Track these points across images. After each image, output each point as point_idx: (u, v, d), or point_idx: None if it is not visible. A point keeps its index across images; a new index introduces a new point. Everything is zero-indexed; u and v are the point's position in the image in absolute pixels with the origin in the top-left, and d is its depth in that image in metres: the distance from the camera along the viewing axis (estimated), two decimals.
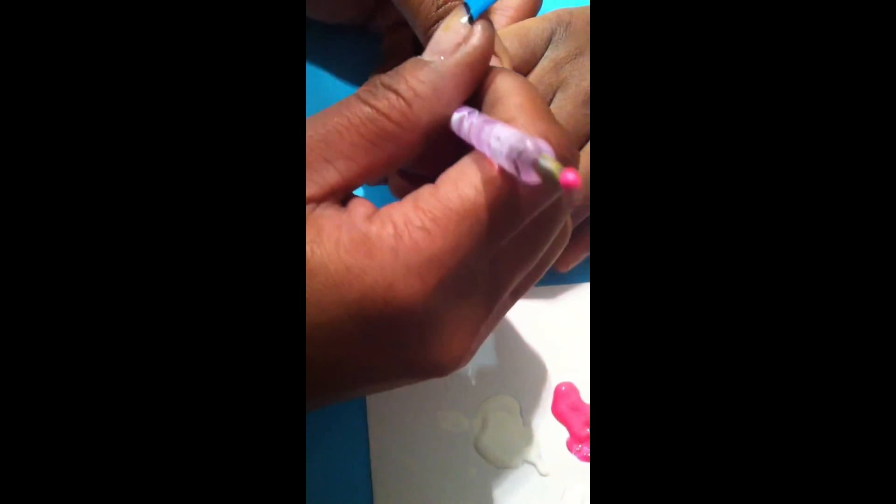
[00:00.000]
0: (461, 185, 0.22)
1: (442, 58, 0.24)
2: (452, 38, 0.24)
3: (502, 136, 0.21)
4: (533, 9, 0.35)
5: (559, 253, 0.28)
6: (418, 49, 0.35)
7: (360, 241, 0.22)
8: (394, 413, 0.35)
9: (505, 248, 0.24)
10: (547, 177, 0.19)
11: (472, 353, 0.26)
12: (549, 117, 0.24)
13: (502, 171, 0.22)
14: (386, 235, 0.22)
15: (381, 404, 0.35)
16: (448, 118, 0.24)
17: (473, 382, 0.35)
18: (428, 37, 0.31)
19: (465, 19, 0.25)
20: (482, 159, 0.22)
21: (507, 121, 0.23)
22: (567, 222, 0.27)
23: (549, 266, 0.28)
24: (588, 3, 0.35)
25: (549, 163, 0.19)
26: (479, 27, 0.24)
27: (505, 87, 0.24)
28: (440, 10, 0.30)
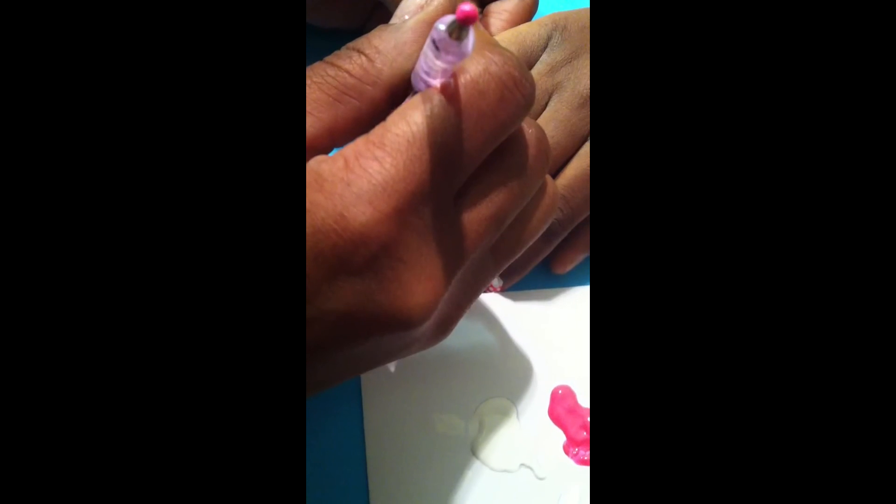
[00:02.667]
0: (409, 114, 0.22)
1: (400, 17, 0.25)
2: (416, 2, 0.25)
3: (429, 39, 0.21)
4: (528, 13, 0.36)
5: (547, 216, 0.27)
6: None
7: (312, 180, 0.22)
8: (390, 416, 0.35)
9: (469, 187, 0.23)
10: (451, 27, 0.20)
11: (453, 314, 0.25)
12: (496, 45, 0.24)
13: (445, 91, 0.22)
14: (336, 169, 0.22)
15: (376, 406, 0.35)
16: (409, 73, 0.24)
17: (469, 385, 0.35)
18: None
19: None
20: (429, 91, 0.23)
21: None
22: (546, 183, 0.27)
23: (536, 232, 0.27)
24: (583, 7, 0.35)
25: (450, 18, 0.20)
26: None
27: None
28: None
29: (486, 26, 0.35)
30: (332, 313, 0.22)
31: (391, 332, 0.23)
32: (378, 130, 0.22)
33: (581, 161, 0.34)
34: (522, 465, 0.35)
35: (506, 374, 0.36)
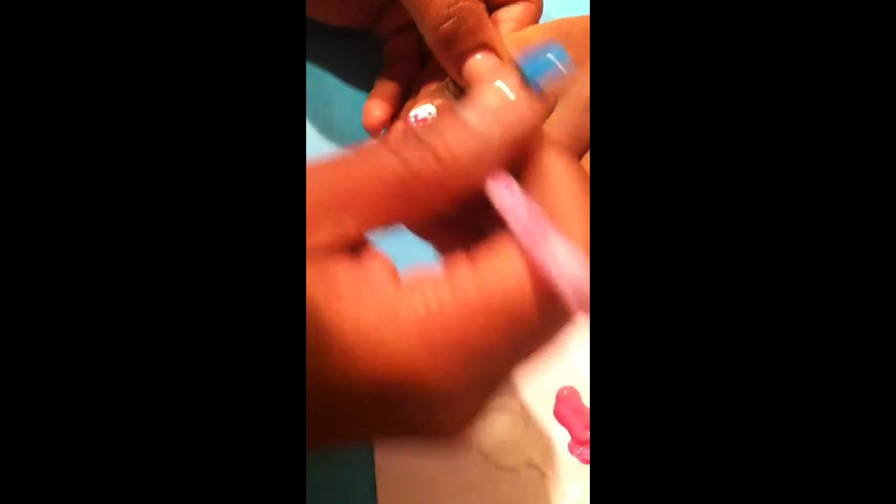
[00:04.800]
0: (506, 281, 0.21)
1: (485, 121, 0.22)
2: (500, 104, 0.22)
3: (565, 264, 0.20)
4: (533, 19, 0.36)
5: None
6: (421, 56, 0.36)
7: (385, 310, 0.20)
8: None
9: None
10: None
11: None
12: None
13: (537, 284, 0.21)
14: (414, 311, 0.20)
15: None
16: (482, 184, 0.22)
17: None
18: (437, 35, 0.31)
19: (515, 84, 0.22)
20: (527, 255, 0.21)
21: (560, 222, 0.22)
22: None
23: None
24: (585, 14, 0.36)
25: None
26: (533, 105, 0.22)
27: (554, 172, 0.23)
28: (451, 9, 0.30)
29: None
30: (375, 428, 0.22)
31: (430, 443, 0.23)
32: (468, 284, 0.21)
33: (587, 164, 0.35)
34: (528, 464, 0.35)
35: (512, 374, 0.36)
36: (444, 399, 0.21)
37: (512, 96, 0.22)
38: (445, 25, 0.30)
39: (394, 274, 0.22)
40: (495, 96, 0.22)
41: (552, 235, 0.21)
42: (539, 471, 0.35)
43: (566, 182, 0.22)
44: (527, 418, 0.36)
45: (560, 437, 0.35)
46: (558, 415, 0.36)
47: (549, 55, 0.23)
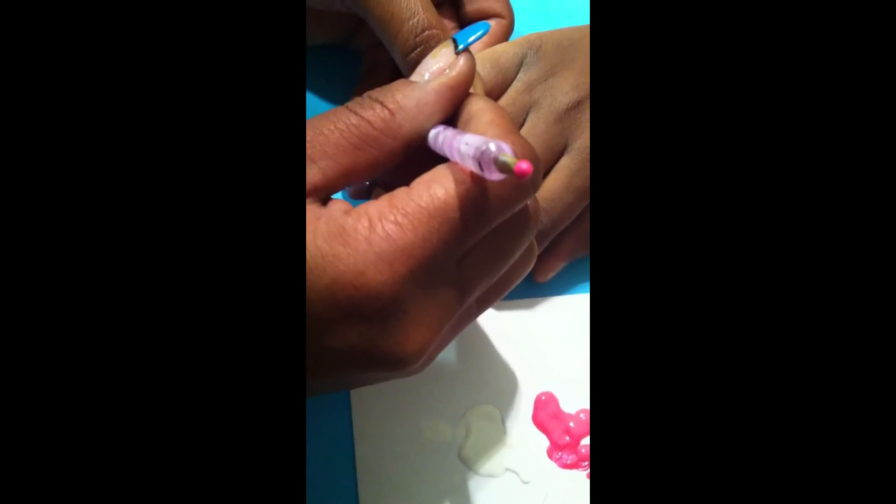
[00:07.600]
0: (433, 187, 0.24)
1: (423, 76, 0.27)
2: (439, 64, 0.27)
3: (470, 140, 0.23)
4: (505, 34, 0.37)
5: (527, 270, 0.29)
6: (397, 70, 0.37)
7: (336, 231, 0.24)
8: (379, 422, 0.35)
9: (472, 251, 0.25)
10: (505, 168, 0.22)
11: (433, 353, 0.27)
12: (515, 131, 0.26)
13: (472, 175, 0.24)
14: (360, 227, 0.24)
15: (366, 413, 0.35)
16: (426, 132, 0.26)
17: (456, 393, 0.36)
18: (407, 63, 0.33)
19: (451, 50, 0.28)
20: (454, 167, 0.25)
21: (474, 124, 0.25)
22: (533, 243, 0.29)
23: (516, 283, 0.30)
24: (556, 28, 0.37)
25: (507, 157, 0.21)
26: (463, 58, 0.27)
27: (477, 107, 0.27)
28: (418, 38, 0.32)
29: None
30: (337, 351, 0.24)
31: (386, 370, 0.25)
32: (402, 196, 0.24)
33: (559, 173, 0.36)
34: (508, 469, 0.35)
35: (491, 381, 0.37)
36: (395, 308, 0.24)
37: (448, 60, 0.27)
38: (413, 54, 0.32)
39: (348, 208, 0.25)
40: (432, 59, 0.28)
41: (464, 134, 0.24)
42: (519, 476, 0.35)
43: (482, 105, 0.27)
44: (506, 424, 0.36)
45: (539, 442, 0.36)
46: (537, 420, 0.36)
47: (475, 26, 0.30)
